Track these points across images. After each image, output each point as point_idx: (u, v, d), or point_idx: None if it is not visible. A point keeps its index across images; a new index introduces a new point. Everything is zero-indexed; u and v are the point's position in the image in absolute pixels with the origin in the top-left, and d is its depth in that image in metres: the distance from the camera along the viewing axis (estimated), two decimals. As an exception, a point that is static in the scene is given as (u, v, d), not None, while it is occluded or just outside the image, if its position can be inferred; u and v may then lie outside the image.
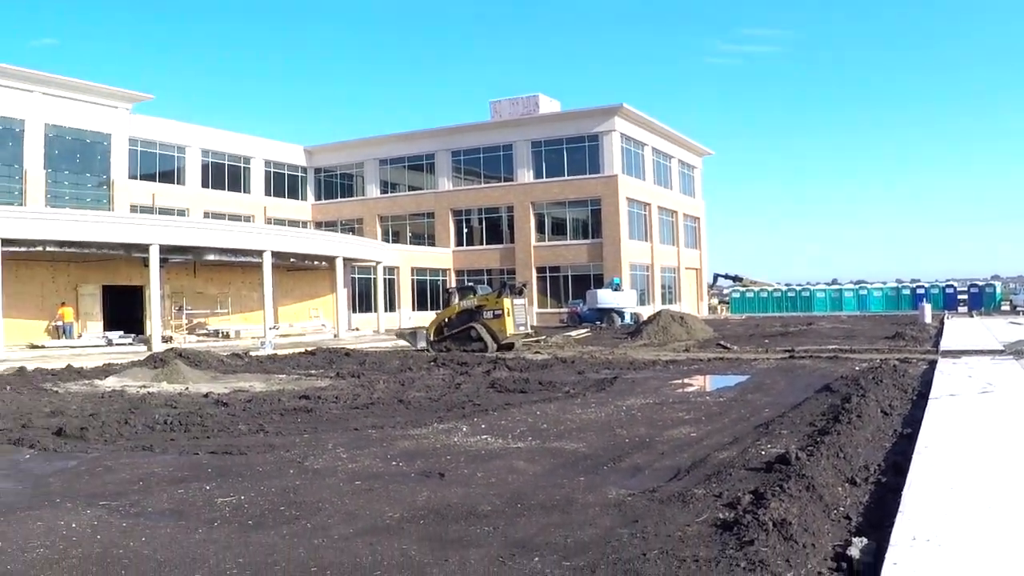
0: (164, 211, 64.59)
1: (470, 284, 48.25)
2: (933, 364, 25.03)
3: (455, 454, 13.38)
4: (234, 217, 70.75)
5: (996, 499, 8.86)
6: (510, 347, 37.55)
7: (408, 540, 8.64)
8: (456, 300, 41.47)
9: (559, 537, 8.61)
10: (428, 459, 12.96)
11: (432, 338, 40.40)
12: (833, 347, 34.19)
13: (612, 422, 16.36)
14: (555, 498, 10.29)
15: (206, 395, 22.18)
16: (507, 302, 39.03)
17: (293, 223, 77.83)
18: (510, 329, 38.75)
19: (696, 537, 8.39)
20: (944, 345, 32.89)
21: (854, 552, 7.66)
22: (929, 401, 16.81)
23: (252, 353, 37.47)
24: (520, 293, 40.81)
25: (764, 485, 9.86)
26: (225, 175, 75.51)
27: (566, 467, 12.19)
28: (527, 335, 40.39)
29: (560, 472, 11.85)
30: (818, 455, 11.25)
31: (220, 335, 52.71)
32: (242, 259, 50.35)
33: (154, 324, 44.17)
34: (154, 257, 42.69)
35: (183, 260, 49.81)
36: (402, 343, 43.33)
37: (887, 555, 7.17)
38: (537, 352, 35.92)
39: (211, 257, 48.69)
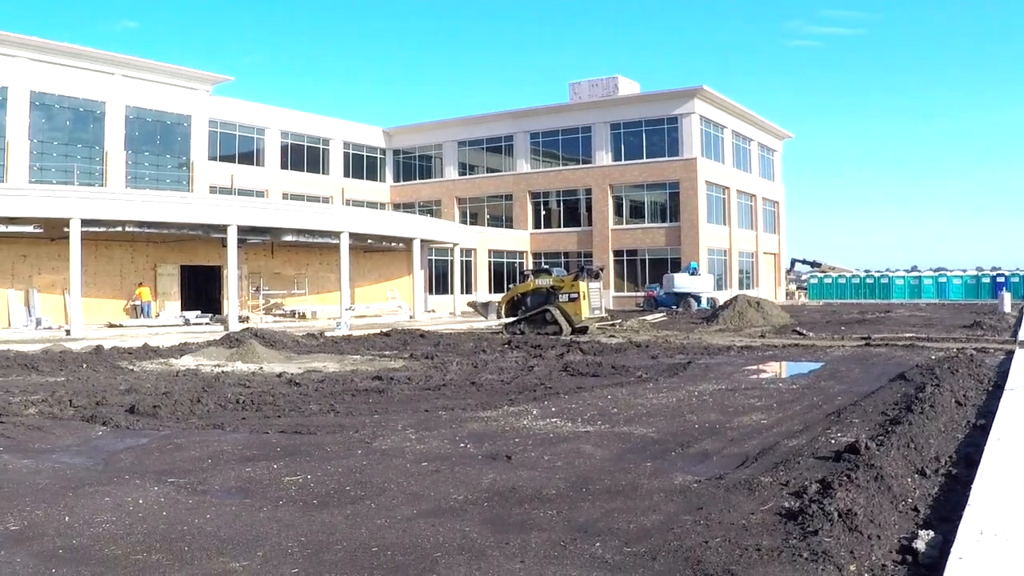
0: (243, 192, 65.47)
1: (547, 267, 47.94)
2: (1010, 354, 24.62)
3: (523, 437, 13.39)
4: (312, 198, 71.36)
5: (1068, 494, 8.71)
6: (584, 331, 37.36)
7: (471, 522, 8.68)
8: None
9: (622, 522, 8.60)
10: (496, 441, 13.00)
11: (503, 313, 40.44)
12: (910, 335, 33.73)
13: (683, 407, 16.29)
14: (620, 483, 10.27)
15: (279, 375, 22.38)
16: (583, 285, 38.60)
17: (371, 205, 78.41)
18: (585, 313, 38.38)
19: (760, 525, 8.34)
20: (1023, 335, 32.34)
21: (920, 545, 7.58)
22: (1004, 392, 16.54)
23: (327, 334, 37.83)
24: (596, 277, 40.51)
25: (832, 474, 9.76)
26: (304, 157, 76.10)
27: (633, 452, 12.17)
28: (602, 319, 40.23)
29: (627, 457, 11.83)
30: (888, 445, 11.13)
31: (297, 315, 53.23)
32: (319, 240, 50.78)
33: (231, 304, 44.69)
34: (232, 237, 43.12)
35: (261, 241, 50.38)
36: (478, 324, 43.44)
37: (953, 549, 7.08)
38: (612, 336, 35.82)
39: (288, 238, 49.14)
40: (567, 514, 8.95)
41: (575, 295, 38.35)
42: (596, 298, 39.85)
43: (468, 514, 8.99)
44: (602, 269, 45.85)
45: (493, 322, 41.59)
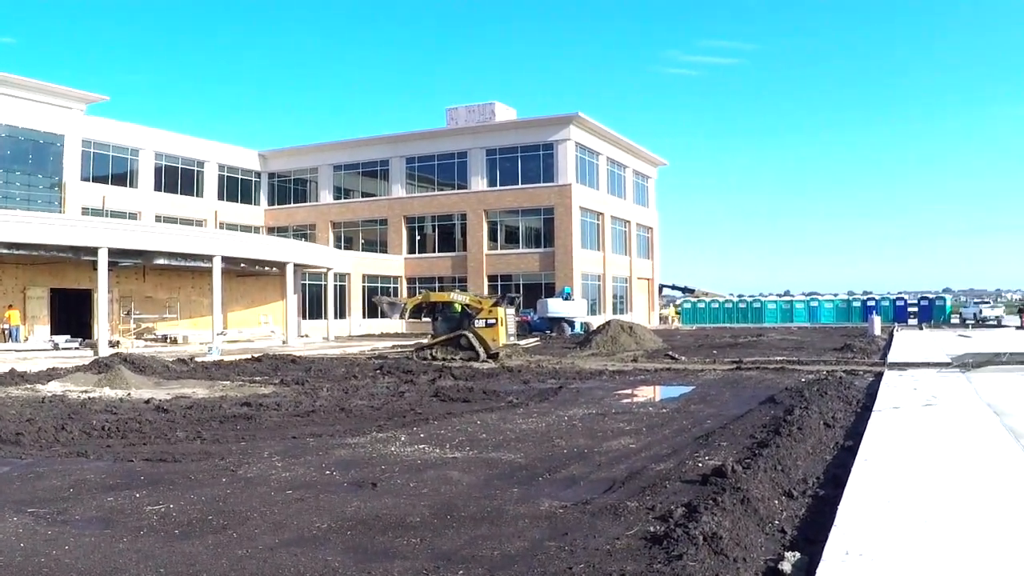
0: (116, 214, 64.04)
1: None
2: (879, 376, 25.08)
3: (390, 464, 13.16)
4: (186, 221, 70.02)
5: (932, 514, 8.75)
6: (496, 357, 36.46)
7: (333, 551, 8.46)
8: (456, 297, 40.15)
9: (486, 550, 8.43)
10: (363, 468, 12.76)
11: (407, 315, 39.69)
12: (781, 359, 34.19)
13: (552, 432, 16.17)
14: (486, 509, 10.10)
15: (147, 401, 21.82)
16: (502, 311, 38.09)
17: (245, 228, 77.37)
18: (502, 339, 37.93)
19: (625, 551, 8.21)
20: (892, 357, 33.01)
21: (786, 567, 7.53)
22: (872, 413, 16.78)
23: (198, 359, 37.09)
24: (512, 303, 40.08)
25: (698, 498, 9.70)
26: (178, 178, 74.67)
27: (501, 478, 12.00)
28: (513, 345, 39.88)
29: (494, 483, 11.66)
30: (755, 468, 11.11)
31: (168, 340, 52.33)
32: (192, 264, 49.99)
33: (101, 328, 43.72)
34: (103, 260, 42.13)
35: (132, 264, 49.47)
36: (351, 349, 42.85)
37: (818, 570, 7.04)
38: (485, 361, 35.63)
39: (161, 261, 48.29)
40: (431, 542, 8.76)
41: (493, 321, 37.69)
42: (512, 325, 39.46)
43: (331, 543, 8.77)
44: (518, 296, 45.54)
45: (396, 318, 40.88)
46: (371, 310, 72.03)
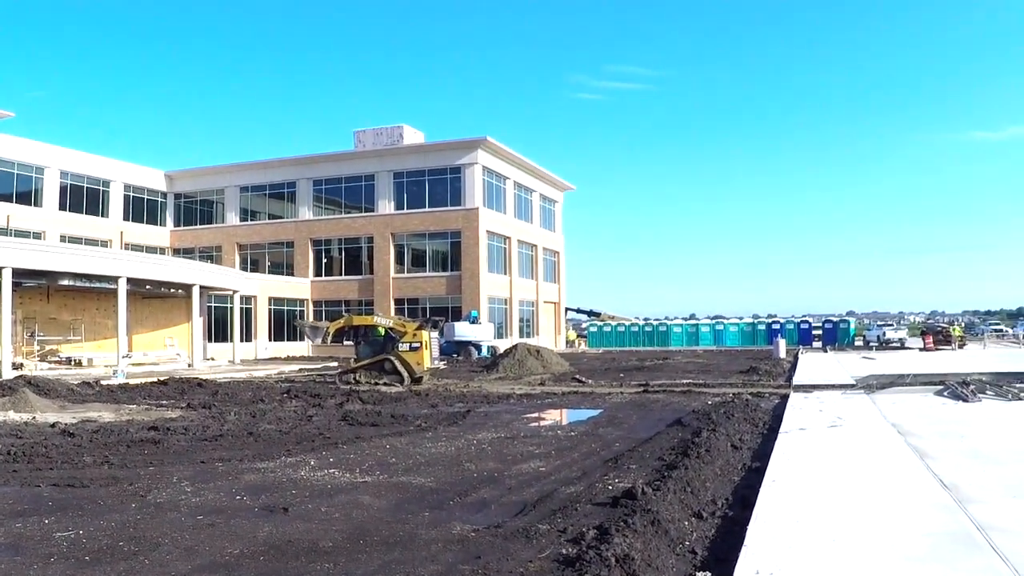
0: (19, 233, 62.59)
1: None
2: (785, 398, 25.43)
3: (301, 488, 13.07)
4: (91, 241, 68.72)
5: (839, 533, 8.90)
6: (420, 381, 36.26)
7: None
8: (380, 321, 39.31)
9: (399, 574, 8.42)
10: (273, 493, 12.65)
11: (330, 339, 39.13)
12: (687, 381, 34.49)
13: (462, 456, 16.17)
14: (398, 534, 10.07)
15: (53, 425, 21.42)
16: (426, 335, 37.39)
17: (151, 249, 76.05)
18: (427, 363, 37.42)
19: (537, 573, 8.26)
20: (797, 380, 33.42)
21: (697, 587, 7.59)
22: (779, 435, 17.01)
23: (104, 382, 36.45)
24: (435, 326, 39.61)
25: (609, 520, 9.74)
26: (84, 198, 73.09)
27: (412, 502, 11.96)
28: (436, 369, 39.47)
29: (405, 507, 11.62)
30: (665, 490, 11.20)
31: (73, 363, 51.34)
32: (97, 285, 49.03)
33: (4, 350, 42.64)
34: (6, 281, 41.10)
35: (36, 285, 48.44)
36: (257, 373, 42.35)
37: (729, 590, 7.12)
38: (391, 385, 35.36)
39: (65, 282, 47.32)
40: (344, 567, 8.73)
41: (417, 345, 36.86)
42: (435, 348, 39.01)
43: (243, 569, 8.69)
44: (440, 320, 45.07)
45: (318, 342, 40.28)
46: (277, 333, 71.42)
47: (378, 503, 11.91)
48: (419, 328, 37.26)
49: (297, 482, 13.65)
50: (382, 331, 37.67)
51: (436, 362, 38.50)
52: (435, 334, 38.98)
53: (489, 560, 8.75)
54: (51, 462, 15.79)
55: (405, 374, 35.87)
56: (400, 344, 36.68)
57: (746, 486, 12.16)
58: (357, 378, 36.53)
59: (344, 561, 8.92)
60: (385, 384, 35.09)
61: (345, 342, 38.52)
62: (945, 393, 25.23)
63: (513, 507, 11.46)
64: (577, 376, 38.58)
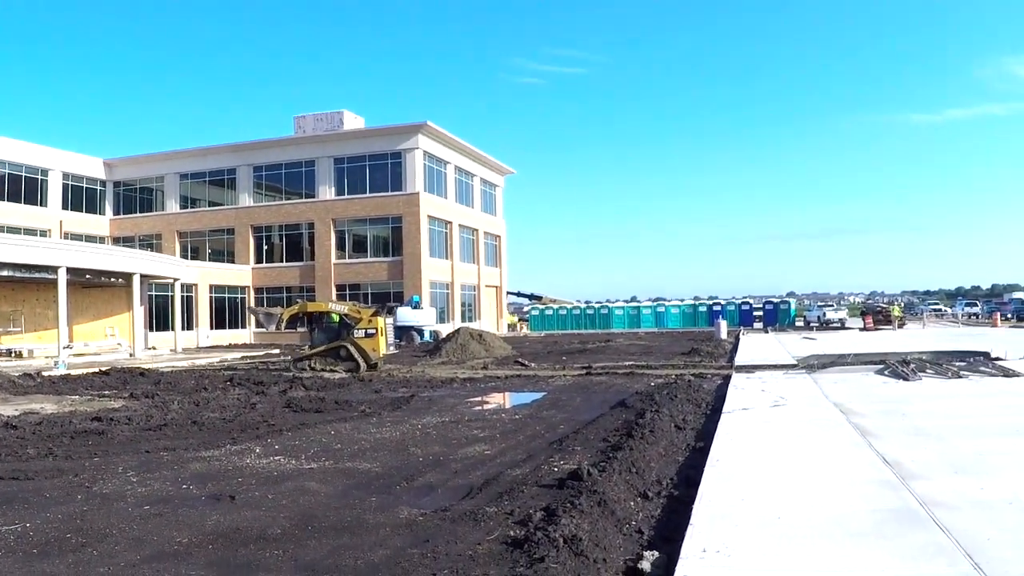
0: (-45, 223, 61.68)
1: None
2: (727, 379, 25.66)
3: (247, 476, 13.03)
4: (29, 231, 67.39)
5: (784, 511, 9.01)
6: (375, 367, 35.94)
7: (195, 566, 8.37)
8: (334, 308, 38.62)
9: (349, 559, 8.43)
10: (219, 482, 12.61)
11: (284, 327, 38.71)
12: (630, 363, 34.67)
13: (407, 441, 16.18)
14: (346, 519, 10.09)
15: (-6, 417, 21.11)
16: (381, 321, 37.11)
17: (91, 238, 74.89)
18: (382, 349, 37.09)
19: (486, 555, 8.28)
20: (739, 360, 33.73)
21: (645, 566, 7.67)
22: (722, 415, 17.17)
23: (45, 373, 35.98)
24: (391, 312, 39.14)
25: (556, 502, 9.84)
26: (21, 187, 71.59)
27: (359, 487, 11.96)
28: (394, 355, 39.06)
29: (353, 493, 11.62)
30: (610, 470, 11.29)
31: (12, 354, 50.53)
32: (36, 275, 48.30)
33: (-58, 343, 42.15)
34: (-59, 273, 40.54)
35: (-27, 276, 47.73)
36: (199, 361, 41.99)
37: (678, 568, 7.21)
38: (334, 371, 35.23)
39: (3, 273, 46.51)
40: (293, 553, 8.73)
41: (372, 331, 36.63)
42: (391, 335, 38.57)
43: (193, 557, 8.67)
44: (396, 305, 44.62)
45: (272, 329, 39.85)
46: (218, 321, 70.86)
47: (325, 489, 11.90)
48: (374, 314, 37.05)
49: (243, 470, 13.61)
50: (337, 318, 37.29)
51: (391, 348, 38.11)
52: (390, 320, 38.54)
53: (438, 544, 8.78)
54: (-7, 455, 15.57)
55: (361, 360, 35.60)
56: (355, 330, 36.50)
57: (691, 466, 12.27)
58: (312, 365, 36.25)
59: (293, 548, 8.93)
60: (342, 371, 34.88)
61: (299, 328, 37.94)
62: (886, 372, 25.58)
63: (460, 490, 11.50)
64: (520, 359, 38.67)
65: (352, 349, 36.00)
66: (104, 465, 14.37)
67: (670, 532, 8.77)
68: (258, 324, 42.69)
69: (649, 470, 11.97)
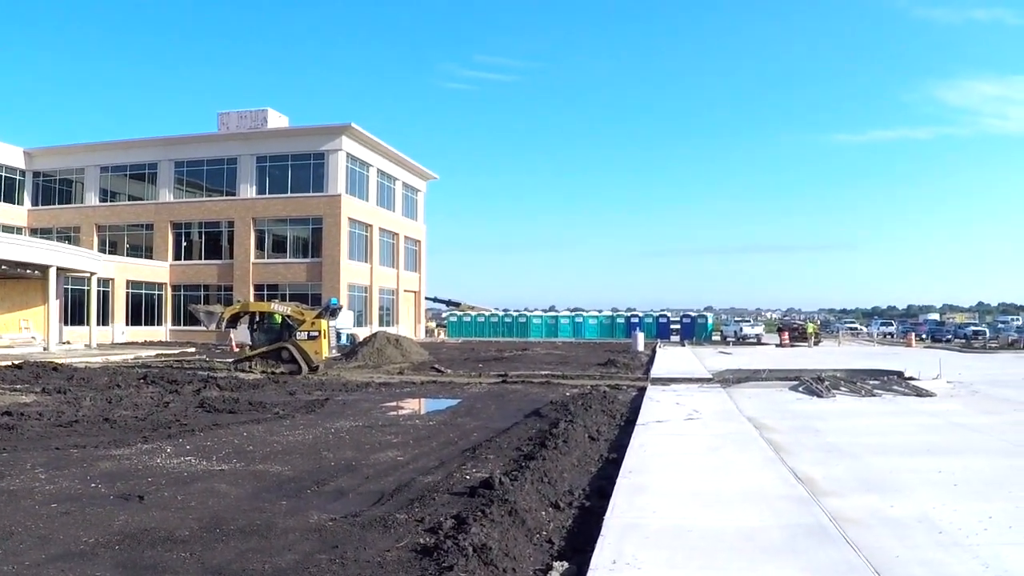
0: None
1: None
2: (643, 391, 25.82)
3: (157, 476, 12.87)
4: (-57, 220, 66.33)
5: (695, 523, 9.09)
6: (316, 369, 35.48)
7: (102, 566, 8.26)
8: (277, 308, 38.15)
9: (257, 563, 8.36)
10: (129, 481, 12.44)
11: (224, 324, 38.04)
12: (546, 373, 34.75)
13: (319, 445, 16.10)
14: (255, 522, 9.98)
15: None
16: (325, 324, 36.50)
17: (8, 229, 73.08)
18: (325, 352, 36.69)
19: (396, 563, 8.25)
20: (655, 372, 33.96)
21: (554, 576, 7.67)
22: (636, 427, 17.27)
23: (-47, 366, 35.32)
24: (334, 314, 38.46)
25: (467, 510, 9.81)
26: (-64, 174, 70.60)
27: (269, 490, 11.86)
28: (337, 358, 38.42)
29: (263, 495, 11.52)
30: (522, 480, 11.29)
31: (-82, 344, 49.63)
32: (-51, 265, 47.52)
33: None
34: None
35: None
36: (113, 357, 41.35)
37: (586, 579, 7.21)
38: (249, 371, 34.90)
39: (-89, 260, 45.75)
40: (200, 555, 8.63)
41: (315, 333, 36.09)
42: (334, 337, 37.92)
43: (99, 558, 8.54)
44: (340, 307, 44.06)
45: (212, 327, 39.20)
46: (135, 317, 69.90)
47: (235, 491, 11.80)
48: (318, 316, 36.51)
49: (153, 469, 13.45)
50: (279, 319, 36.89)
51: (333, 351, 37.63)
52: (334, 323, 38.03)
53: (347, 549, 8.74)
54: None
55: (303, 363, 35.15)
56: (298, 332, 36.01)
57: (603, 477, 12.33)
58: (252, 366, 35.70)
59: (200, 550, 8.83)
60: (281, 372, 34.39)
61: (250, 350, 37.17)
62: (800, 389, 25.90)
63: (371, 496, 11.45)
64: (436, 366, 38.61)
65: (294, 351, 35.55)
66: (12, 461, 14.14)
67: (581, 543, 8.79)
68: (198, 322, 41.86)
69: (562, 480, 12.01)
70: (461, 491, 11.47)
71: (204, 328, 43.41)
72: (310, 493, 11.70)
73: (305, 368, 34.95)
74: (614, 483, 11.24)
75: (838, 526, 9.00)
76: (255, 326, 37.88)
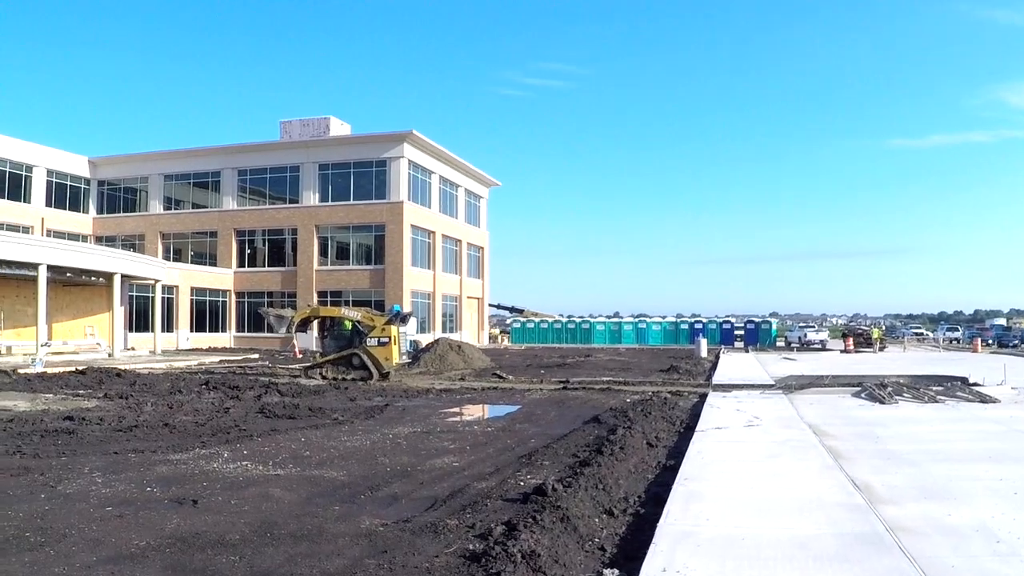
0: (-62, 218, 61.13)
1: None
2: (703, 397, 25.57)
3: (212, 480, 12.93)
4: (12, 228, 66.55)
5: (749, 531, 8.94)
6: (387, 376, 35.39)
7: (151, 569, 8.29)
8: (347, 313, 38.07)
9: (305, 568, 8.34)
10: (184, 485, 12.50)
11: (295, 328, 38.22)
12: (607, 379, 34.56)
13: (376, 450, 16.09)
14: (306, 527, 9.98)
15: (-36, 414, 20.94)
16: (395, 330, 36.16)
17: (73, 236, 74.20)
18: (395, 359, 36.28)
19: (444, 568, 8.20)
20: (716, 379, 33.66)
21: (603, 584, 7.58)
22: (695, 433, 17.09)
23: (22, 371, 35.78)
24: (405, 321, 38.36)
25: (518, 516, 9.73)
26: (5, 183, 70.84)
27: (323, 495, 11.86)
28: (407, 364, 38.32)
29: (316, 501, 11.52)
30: (576, 486, 11.18)
31: (-9, 351, 50.35)
32: (17, 272, 48.01)
33: (-82, 338, 41.85)
34: (-79, 267, 40.24)
35: (-46, 271, 47.42)
36: (178, 363, 41.69)
37: (636, 587, 7.11)
38: (311, 378, 34.96)
39: (-17, 269, 46.43)
40: (250, 559, 8.63)
41: (386, 339, 35.78)
42: (404, 343, 37.80)
43: (149, 560, 8.57)
44: (411, 314, 43.92)
45: (282, 332, 39.35)
46: (199, 324, 70.58)
47: (289, 496, 11.80)
48: (388, 322, 36.28)
49: (209, 474, 13.51)
50: (349, 325, 36.78)
51: (404, 357, 37.48)
52: (404, 329, 38.01)
53: (395, 555, 8.70)
54: (-40, 453, 15.47)
55: (374, 369, 35.10)
56: (368, 339, 35.84)
57: (660, 484, 12.19)
58: (324, 373, 35.67)
59: (250, 554, 8.83)
60: (353, 379, 34.36)
61: (319, 357, 37.11)
62: (862, 395, 25.56)
63: (424, 502, 11.40)
64: (497, 372, 38.53)
65: (364, 357, 35.43)
66: (71, 465, 14.28)
67: (633, 550, 8.68)
68: (269, 327, 41.96)
69: (617, 487, 11.88)
70: (514, 497, 11.41)
71: (273, 333, 43.59)
72: (363, 498, 11.68)
73: (376, 374, 34.85)
74: (669, 490, 11.11)
75: (893, 535, 8.82)
76: (325, 332, 37.96)
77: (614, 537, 9.42)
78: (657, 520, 9.45)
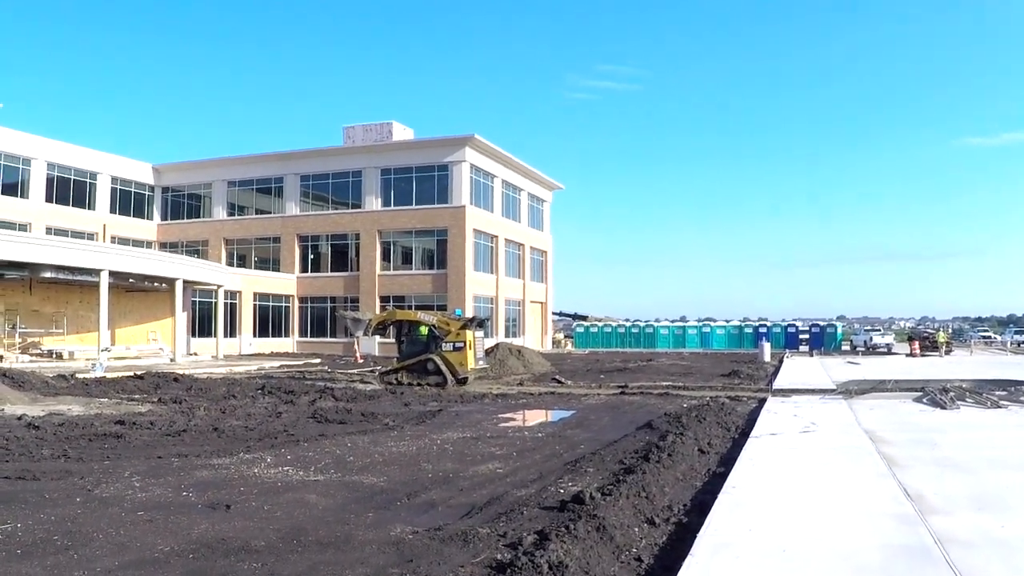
0: (5, 225, 61.55)
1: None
2: (762, 402, 25.14)
3: (249, 485, 12.83)
4: (77, 234, 67.50)
5: (791, 543, 8.62)
6: (465, 382, 34.97)
7: (171, 574, 8.22)
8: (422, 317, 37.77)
9: (327, 576, 8.11)
10: (220, 490, 12.41)
11: (372, 332, 38.00)
12: (667, 384, 34.16)
13: (421, 456, 15.89)
14: (335, 534, 9.81)
15: (19, 417, 21.20)
16: (470, 334, 35.64)
17: (138, 243, 75.03)
18: (471, 364, 35.63)
19: (467, 579, 7.92)
20: (777, 384, 33.18)
21: (635, 597, 7.31)
22: (749, 440, 16.73)
23: (80, 375, 36.02)
24: (481, 325, 38.06)
25: (552, 525, 9.44)
26: (70, 190, 71.89)
27: (359, 502, 11.69)
28: (483, 369, 38.27)
29: (351, 507, 11.35)
30: (616, 495, 10.90)
31: (54, 355, 50.86)
32: (80, 278, 48.62)
33: (-16, 343, 42.40)
34: (-12, 273, 40.77)
35: (19, 276, 47.98)
36: (238, 368, 41.82)
37: (667, 601, 6.84)
38: (387, 384, 34.72)
39: (48, 274, 46.89)
40: (272, 566, 8.48)
41: (461, 344, 35.30)
42: (480, 348, 37.71)
43: (170, 565, 8.47)
44: (488, 319, 43.67)
45: (359, 334, 39.32)
46: (262, 329, 71.02)
47: (324, 502, 11.66)
48: (463, 327, 35.97)
49: (248, 479, 13.42)
50: (425, 330, 36.53)
51: (480, 363, 37.35)
52: (479, 334, 37.38)
53: (420, 564, 8.50)
54: (8, 454, 15.65)
55: (449, 375, 34.73)
56: (444, 344, 35.46)
57: (708, 491, 11.87)
58: (400, 379, 35.49)
59: (272, 561, 8.68)
60: (428, 385, 34.10)
61: (396, 363, 36.86)
62: (924, 400, 25.01)
63: (460, 509, 11.19)
64: (556, 377, 38.24)
65: (440, 363, 35.05)
66: (112, 469, 14.30)
67: (671, 561, 8.37)
68: (346, 330, 41.99)
69: (662, 495, 11.57)
70: (551, 505, 11.13)
71: (347, 337, 43.45)
72: (399, 505, 11.49)
73: (451, 380, 34.46)
74: (716, 498, 10.79)
75: (941, 547, 8.41)
76: (402, 337, 37.75)
77: (653, 547, 9.12)
78: (699, 530, 9.13)
